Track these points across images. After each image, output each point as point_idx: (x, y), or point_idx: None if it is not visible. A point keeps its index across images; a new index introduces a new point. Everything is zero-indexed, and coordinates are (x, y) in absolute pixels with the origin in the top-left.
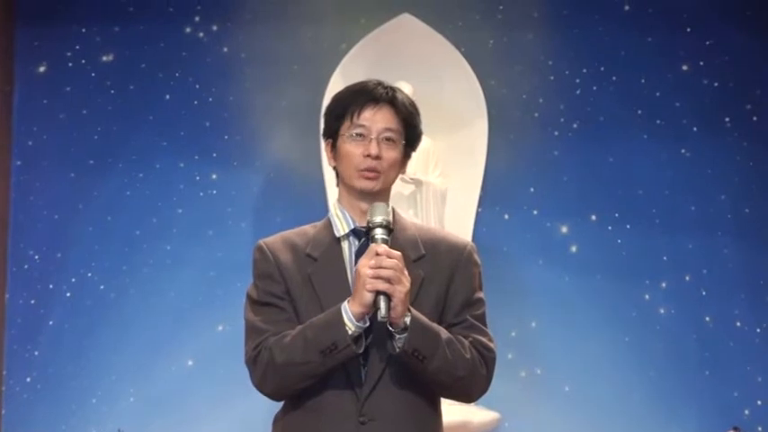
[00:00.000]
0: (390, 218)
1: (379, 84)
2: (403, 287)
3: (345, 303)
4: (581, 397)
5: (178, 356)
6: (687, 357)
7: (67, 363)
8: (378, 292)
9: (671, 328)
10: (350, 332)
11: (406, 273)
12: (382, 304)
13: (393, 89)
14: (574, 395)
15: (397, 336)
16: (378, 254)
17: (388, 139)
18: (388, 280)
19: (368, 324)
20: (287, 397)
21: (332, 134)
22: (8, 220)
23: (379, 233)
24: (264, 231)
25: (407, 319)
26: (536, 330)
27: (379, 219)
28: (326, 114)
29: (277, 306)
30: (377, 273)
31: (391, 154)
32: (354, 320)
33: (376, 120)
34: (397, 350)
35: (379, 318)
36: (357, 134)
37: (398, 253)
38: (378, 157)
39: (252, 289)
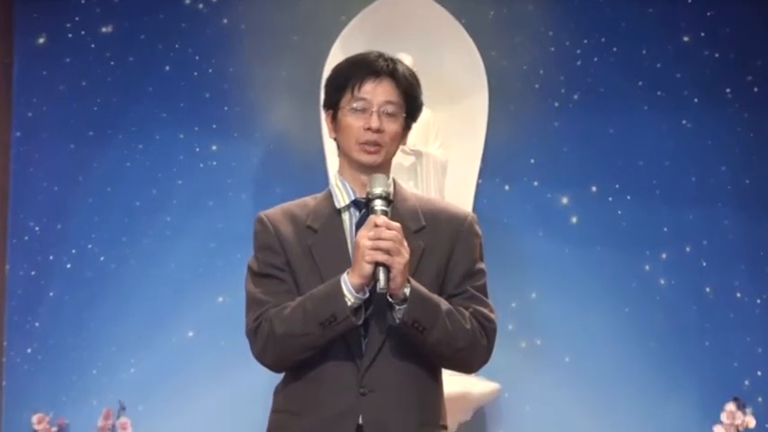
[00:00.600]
0: (390, 189)
1: (380, 56)
2: (402, 258)
3: (345, 275)
4: (581, 368)
5: (178, 327)
6: (687, 328)
7: (68, 334)
8: (377, 264)
9: (671, 298)
10: (349, 303)
11: (405, 244)
12: (381, 275)
13: (394, 61)
14: (574, 366)
15: (397, 307)
16: (377, 225)
17: (388, 113)
18: (386, 251)
19: (367, 295)
20: (287, 368)
21: (332, 106)
22: (8, 191)
23: (378, 204)
24: (264, 202)
25: (407, 291)
26: (536, 301)
27: (378, 190)
28: (327, 86)
29: (277, 278)
30: (376, 244)
31: (392, 127)
32: (354, 292)
33: (377, 93)
34: (397, 321)
35: (378, 289)
36: (358, 107)
37: (397, 224)
38: (379, 131)
39: (252, 261)
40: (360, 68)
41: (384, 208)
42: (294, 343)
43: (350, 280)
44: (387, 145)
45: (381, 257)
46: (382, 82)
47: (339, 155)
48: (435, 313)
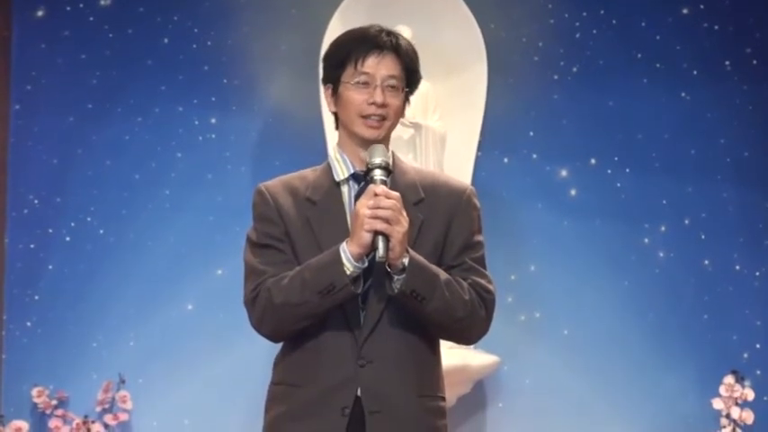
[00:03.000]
0: (390, 159)
1: (382, 30)
2: (401, 227)
3: (344, 244)
4: (580, 340)
5: (178, 301)
6: (686, 301)
7: (67, 307)
8: (376, 233)
9: (670, 271)
10: (348, 272)
11: (404, 213)
12: (380, 244)
13: (396, 36)
14: (573, 338)
15: (395, 277)
16: (376, 194)
17: (391, 87)
18: (386, 220)
19: (366, 265)
20: (285, 338)
21: (333, 80)
22: (7, 164)
23: (377, 174)
24: (263, 175)
25: (405, 260)
26: (535, 274)
27: (377, 160)
28: (327, 60)
29: (276, 248)
30: (375, 213)
31: (395, 101)
32: (353, 261)
33: (380, 68)
34: (395, 291)
35: (377, 258)
36: (361, 82)
37: (397, 194)
38: (383, 105)
39: (251, 231)
40: (362, 43)
41: (383, 177)
42: (292, 312)
43: (349, 249)
44: (390, 119)
45: (380, 226)
46: (385, 57)
47: (338, 128)
48: (434, 283)
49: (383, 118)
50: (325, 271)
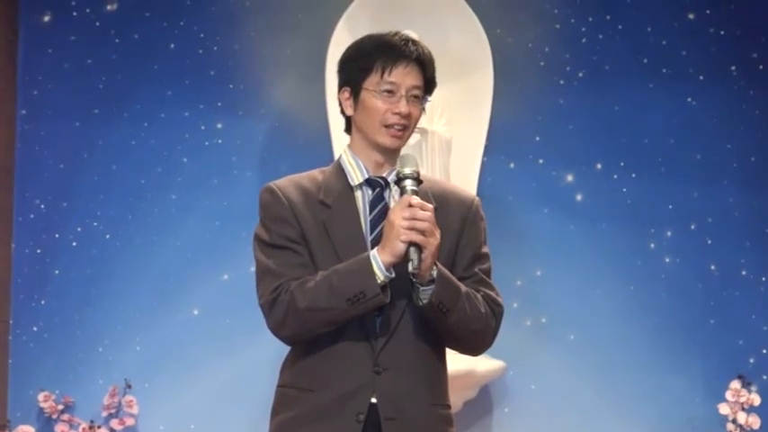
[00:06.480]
0: (419, 169)
1: (408, 39)
2: (435, 240)
3: (374, 252)
4: (586, 345)
5: (183, 306)
6: (692, 306)
7: (73, 312)
8: (410, 244)
9: (676, 276)
10: (378, 281)
11: (437, 226)
12: (414, 256)
13: (420, 46)
14: (579, 343)
15: (421, 288)
16: (411, 205)
17: (414, 97)
18: (422, 232)
19: (394, 275)
20: (304, 342)
21: (353, 84)
22: (13, 169)
23: (409, 184)
24: (270, 180)
25: (434, 272)
26: (541, 279)
27: (408, 170)
28: (349, 64)
29: (292, 250)
30: (412, 224)
31: (417, 111)
32: (384, 270)
33: (406, 78)
34: (423, 302)
35: (410, 269)
36: (386, 90)
37: (431, 206)
38: (407, 116)
39: (262, 231)
40: (389, 51)
41: (415, 188)
42: (317, 317)
43: (381, 258)
44: (411, 128)
45: (417, 238)
46: (412, 68)
47: (353, 132)
48: (457, 295)
49: (405, 128)
50: (356, 278)
